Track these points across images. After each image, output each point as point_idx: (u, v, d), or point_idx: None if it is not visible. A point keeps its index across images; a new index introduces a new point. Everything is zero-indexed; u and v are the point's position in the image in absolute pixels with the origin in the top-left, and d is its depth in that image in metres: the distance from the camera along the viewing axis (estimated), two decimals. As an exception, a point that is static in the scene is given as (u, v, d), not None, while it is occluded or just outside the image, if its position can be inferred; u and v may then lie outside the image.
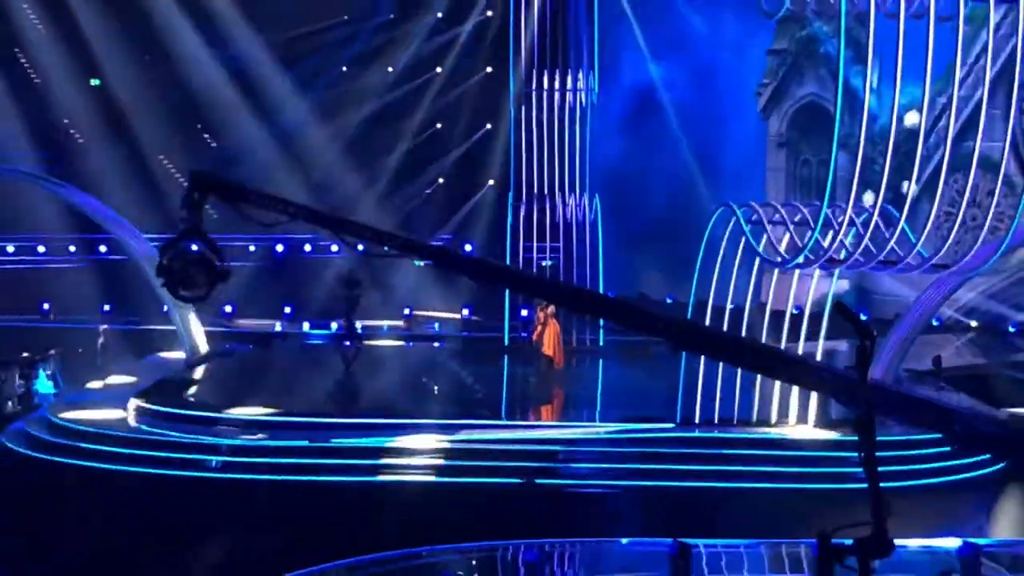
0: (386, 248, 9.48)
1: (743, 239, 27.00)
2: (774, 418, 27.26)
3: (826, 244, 25.09)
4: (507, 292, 36.66)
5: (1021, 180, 34.42)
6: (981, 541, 19.68)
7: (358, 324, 34.42)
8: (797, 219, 27.03)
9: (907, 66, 25.38)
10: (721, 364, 26.74)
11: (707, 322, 27.38)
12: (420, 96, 43.69)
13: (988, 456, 24.97)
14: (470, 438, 26.11)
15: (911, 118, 29.95)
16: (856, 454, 20.08)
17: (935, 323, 33.58)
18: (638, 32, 42.02)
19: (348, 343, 33.51)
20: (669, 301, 39.48)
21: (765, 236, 26.83)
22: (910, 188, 27.04)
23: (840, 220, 24.90)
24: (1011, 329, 38.49)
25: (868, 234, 24.60)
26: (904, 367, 31.96)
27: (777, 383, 27.15)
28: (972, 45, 33.44)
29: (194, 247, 8.78)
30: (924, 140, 28.16)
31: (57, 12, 39.25)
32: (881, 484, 5.02)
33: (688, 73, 43.07)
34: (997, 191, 32.32)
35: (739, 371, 26.89)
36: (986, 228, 26.98)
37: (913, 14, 24.50)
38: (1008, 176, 34.24)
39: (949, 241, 25.87)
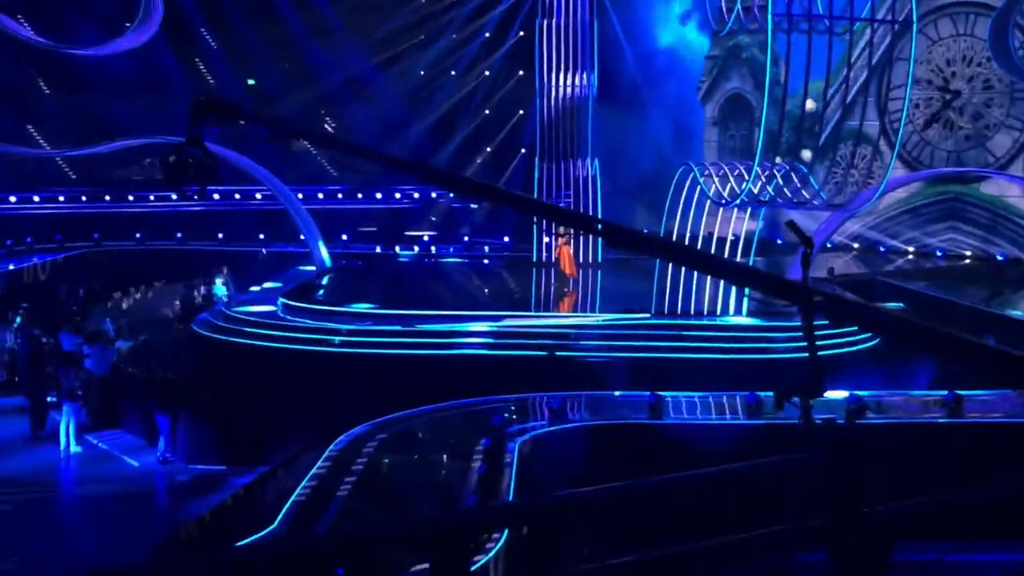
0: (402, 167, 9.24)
1: (698, 188, 26.66)
2: (718, 310, 27.09)
3: (756, 190, 24.76)
4: (534, 223, 36.66)
5: (889, 149, 34.05)
6: (862, 392, 19.64)
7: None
8: (735, 173, 26.70)
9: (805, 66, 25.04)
10: (685, 271, 26.73)
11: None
12: (476, 92, 43.63)
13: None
14: (510, 324, 26.06)
15: (810, 104, 29.57)
16: (778, 333, 20.02)
17: (829, 245, 33.31)
18: (625, 45, 41.74)
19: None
20: (645, 231, 39.25)
21: (713, 185, 26.49)
22: (812, 155, 26.84)
23: (766, 174, 24.53)
24: (882, 250, 38.30)
25: (785, 183, 24.27)
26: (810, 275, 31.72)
27: (721, 286, 27.05)
28: (854, 50, 33.06)
29: (191, 151, 8.41)
30: (819, 120, 27.90)
31: (221, 28, 38.87)
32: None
33: (656, 72, 42.85)
34: (870, 156, 32.16)
35: (695, 277, 26.87)
36: (865, 180, 26.74)
37: (814, 31, 24.04)
38: (879, 145, 34.05)
39: (848, 189, 25.59)
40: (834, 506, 3.84)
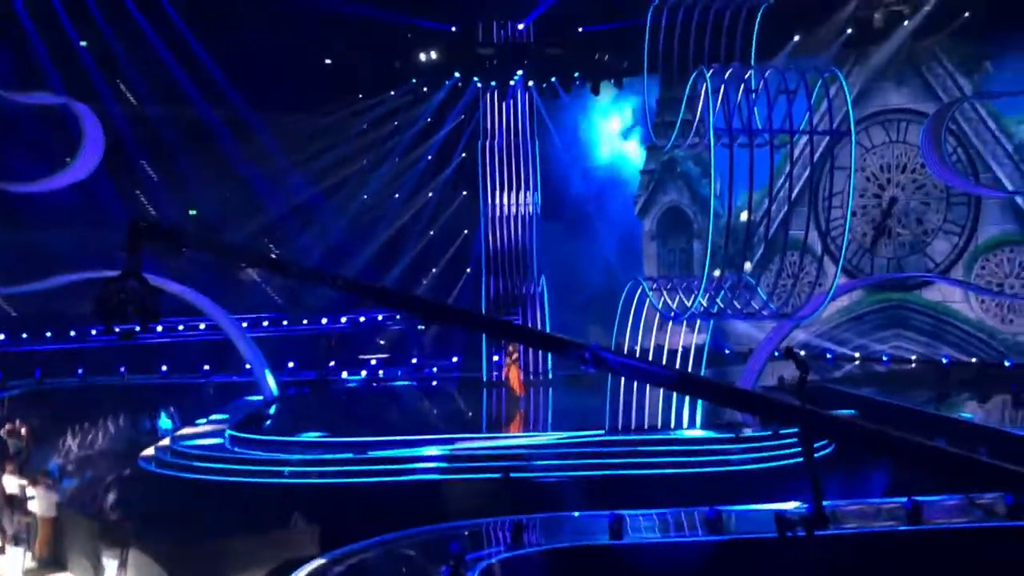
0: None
1: (647, 302, 26.83)
2: (673, 423, 27.06)
3: (705, 303, 24.94)
4: (484, 343, 36.63)
5: (826, 256, 34.64)
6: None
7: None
8: (684, 287, 26.98)
9: (740, 179, 25.48)
10: (627, 383, 26.71)
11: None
12: (421, 214, 43.89)
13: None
14: (463, 447, 25.84)
15: (744, 216, 30.14)
16: (732, 445, 19.95)
17: (776, 354, 33.49)
18: (567, 163, 42.27)
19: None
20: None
21: (662, 299, 26.66)
22: (750, 266, 27.20)
23: (713, 286, 24.75)
24: (829, 357, 38.59)
25: (733, 296, 24.45)
26: (759, 384, 31.96)
27: (674, 399, 27.08)
28: (784, 164, 33.72)
29: (130, 286, 7.75)
30: (754, 231, 28.35)
31: (161, 159, 38.83)
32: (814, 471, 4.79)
33: (599, 187, 43.42)
34: (801, 263, 32.51)
35: (646, 391, 26.85)
36: (810, 289, 27.02)
37: (739, 144, 24.55)
38: (817, 253, 34.56)
39: (789, 297, 25.83)
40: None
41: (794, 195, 35.44)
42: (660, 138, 26.95)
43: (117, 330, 7.87)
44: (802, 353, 38.62)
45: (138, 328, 7.92)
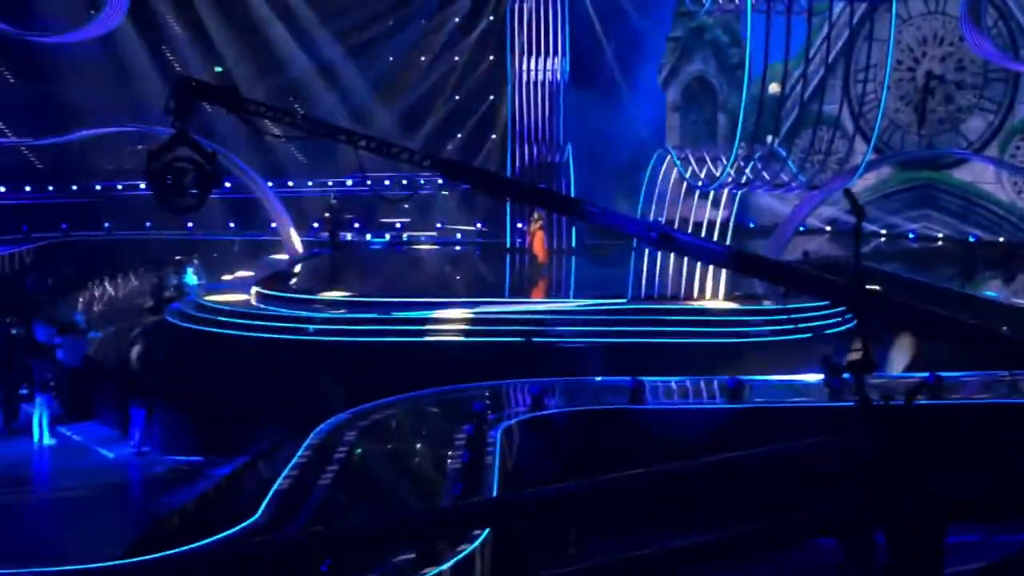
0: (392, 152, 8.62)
1: (673, 172, 26.59)
2: (695, 294, 27.06)
3: (733, 173, 24.72)
4: (508, 210, 36.53)
5: (855, 131, 34.14)
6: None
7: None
8: (712, 157, 26.73)
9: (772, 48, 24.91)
10: (651, 254, 26.66)
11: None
12: (447, 77, 43.37)
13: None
14: (486, 311, 25.93)
15: (774, 87, 29.53)
16: (754, 317, 19.99)
17: (802, 228, 33.35)
18: (598, 29, 41.38)
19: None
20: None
21: (689, 169, 26.42)
22: (775, 139, 26.89)
23: (742, 157, 24.47)
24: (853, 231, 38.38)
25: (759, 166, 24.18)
26: (784, 258, 31.87)
27: (698, 269, 27.02)
28: (818, 33, 32.95)
29: (182, 152, 6.83)
30: (781, 103, 27.90)
31: (187, 15, 38.27)
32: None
33: (629, 56, 42.59)
34: (835, 138, 32.01)
35: (671, 260, 26.80)
36: (839, 164, 26.74)
37: (776, 11, 23.95)
38: (848, 128, 34.07)
39: (816, 169, 25.56)
40: (891, 488, 3.73)
41: (824, 68, 34.64)
42: (693, 2, 26.28)
43: (181, 204, 7.07)
44: (828, 229, 38.68)
45: (198, 200, 7.14)
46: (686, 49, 43.01)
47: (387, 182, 39.94)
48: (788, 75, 34.53)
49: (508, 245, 36.38)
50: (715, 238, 27.25)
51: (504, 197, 30.57)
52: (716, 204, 27.32)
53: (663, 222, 27.08)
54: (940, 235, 37.60)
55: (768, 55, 24.29)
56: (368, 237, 39.35)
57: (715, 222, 27.30)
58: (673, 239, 5.55)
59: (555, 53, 36.75)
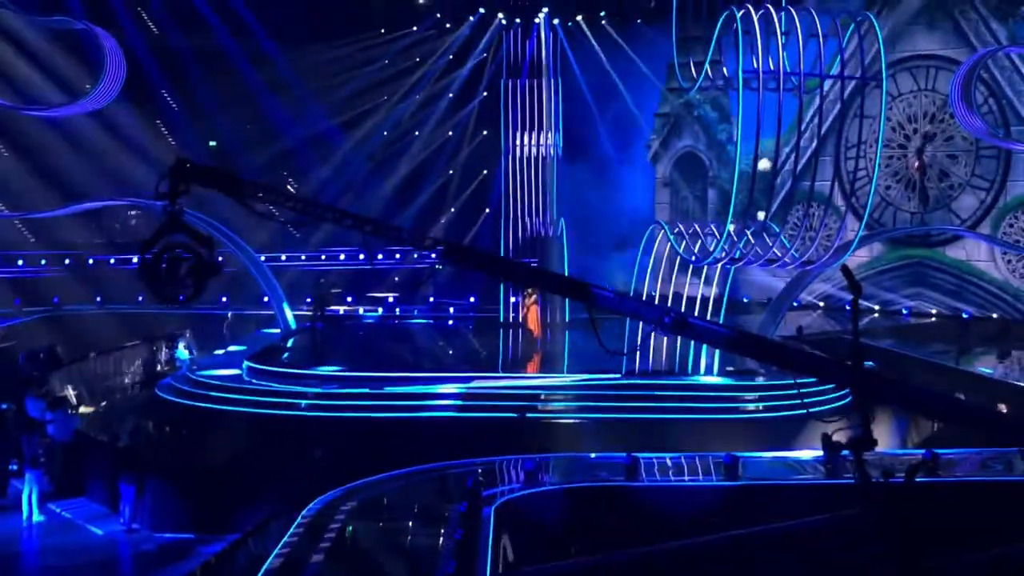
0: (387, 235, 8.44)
1: (667, 247, 26.75)
2: (689, 368, 27.11)
3: (727, 249, 24.86)
4: (502, 285, 36.64)
5: (845, 207, 34.23)
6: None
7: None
8: (706, 232, 26.89)
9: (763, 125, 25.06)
10: (641, 328, 26.70)
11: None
12: (440, 152, 43.73)
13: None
14: (480, 385, 25.92)
15: (764, 164, 29.67)
16: (749, 393, 19.93)
17: (795, 303, 33.41)
18: (591, 105, 41.82)
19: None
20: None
21: (683, 243, 26.58)
22: (767, 215, 27.03)
23: (736, 232, 24.61)
24: (848, 308, 38.32)
25: (754, 242, 24.32)
26: (777, 334, 31.96)
27: (691, 345, 27.08)
28: (808, 108, 33.29)
29: (176, 240, 6.28)
30: (772, 179, 28.03)
31: (181, 89, 38.54)
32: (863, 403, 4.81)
33: (621, 132, 42.94)
34: (825, 215, 32.11)
35: (664, 336, 26.83)
36: (832, 241, 26.86)
37: (767, 88, 24.19)
38: (836, 205, 34.16)
39: (813, 246, 25.71)
40: (892, 567, 3.77)
41: (815, 144, 34.55)
42: (684, 80, 26.56)
43: (180, 299, 6.74)
44: (821, 305, 38.83)
45: (194, 291, 6.73)
46: (675, 125, 43.48)
47: (380, 255, 40.15)
48: (779, 151, 34.80)
49: (502, 319, 36.45)
50: (708, 314, 27.40)
51: (510, 280, 30.53)
52: (709, 280, 27.47)
53: (654, 296, 27.25)
54: (934, 311, 37.69)
55: (759, 131, 24.52)
56: (360, 311, 39.44)
57: (708, 297, 27.43)
58: (689, 325, 5.59)
59: (548, 128, 37.09)
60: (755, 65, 23.02)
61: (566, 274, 35.97)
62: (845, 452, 4.32)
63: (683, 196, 43.62)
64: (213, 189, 7.08)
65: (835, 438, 4.63)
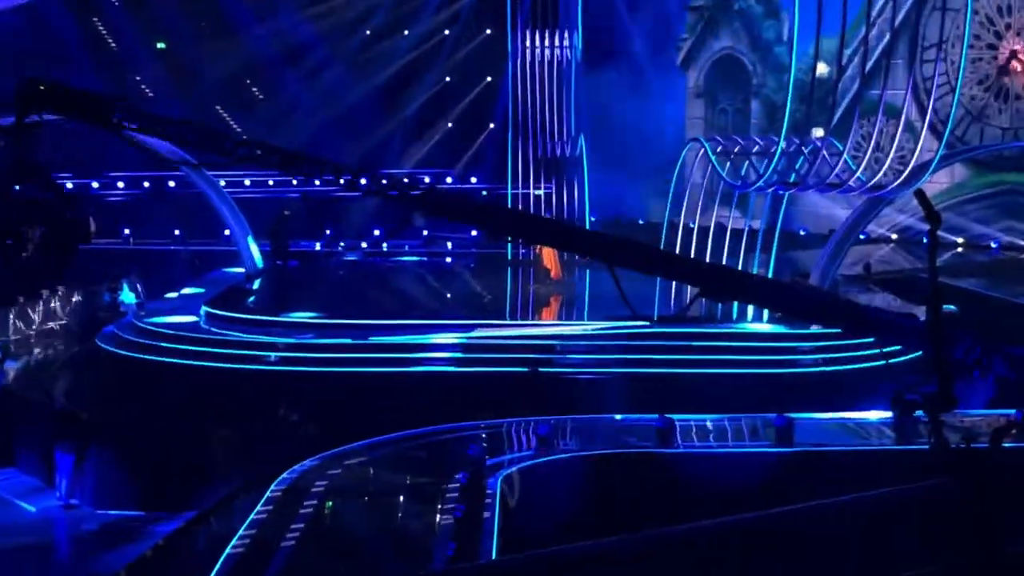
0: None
1: (709, 168, 26.66)
2: (734, 315, 27.12)
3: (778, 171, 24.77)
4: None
5: (922, 123, 33.71)
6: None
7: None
8: (755, 150, 26.78)
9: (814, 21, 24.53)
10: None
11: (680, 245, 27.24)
12: (433, 56, 43.49)
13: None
14: (484, 335, 25.97)
15: (822, 68, 29.28)
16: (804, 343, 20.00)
17: (862, 236, 33.19)
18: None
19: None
20: (641, 223, 39.39)
21: (727, 164, 26.50)
22: (825, 132, 26.84)
23: (791, 150, 24.50)
24: (925, 240, 38.09)
25: (816, 161, 24.20)
26: (840, 273, 31.94)
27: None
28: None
29: (29, 194, 5.54)
30: (834, 87, 27.61)
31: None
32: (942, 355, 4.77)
33: (654, 31, 42.51)
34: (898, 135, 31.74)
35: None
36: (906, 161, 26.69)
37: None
38: (910, 120, 33.68)
39: (883, 168, 25.57)
40: (975, 548, 3.75)
41: (886, 43, 33.90)
42: None
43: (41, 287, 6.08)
44: (894, 238, 38.71)
45: (53, 267, 6.08)
46: (711, 21, 42.80)
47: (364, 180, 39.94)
48: (842, 52, 34.36)
49: (510, 257, 36.44)
50: (757, 250, 27.41)
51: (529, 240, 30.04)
52: (757, 208, 27.42)
53: (693, 228, 27.20)
54: (1030, 244, 37.25)
55: (820, 27, 24.24)
56: (341, 246, 39.49)
57: (756, 230, 27.40)
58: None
59: (565, 25, 36.79)
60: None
61: (587, 204, 36.00)
62: (919, 413, 4.30)
63: (721, 109, 43.22)
64: (75, 118, 6.53)
65: (908, 397, 4.62)
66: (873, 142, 26.14)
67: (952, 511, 3.95)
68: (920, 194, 6.03)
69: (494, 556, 14.83)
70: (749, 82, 42.39)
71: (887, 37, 31.27)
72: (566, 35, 36.84)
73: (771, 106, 40.73)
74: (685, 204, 27.39)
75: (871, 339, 24.35)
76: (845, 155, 24.44)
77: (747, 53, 42.22)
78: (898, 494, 4.06)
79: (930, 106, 31.77)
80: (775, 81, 40.68)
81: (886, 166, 26.13)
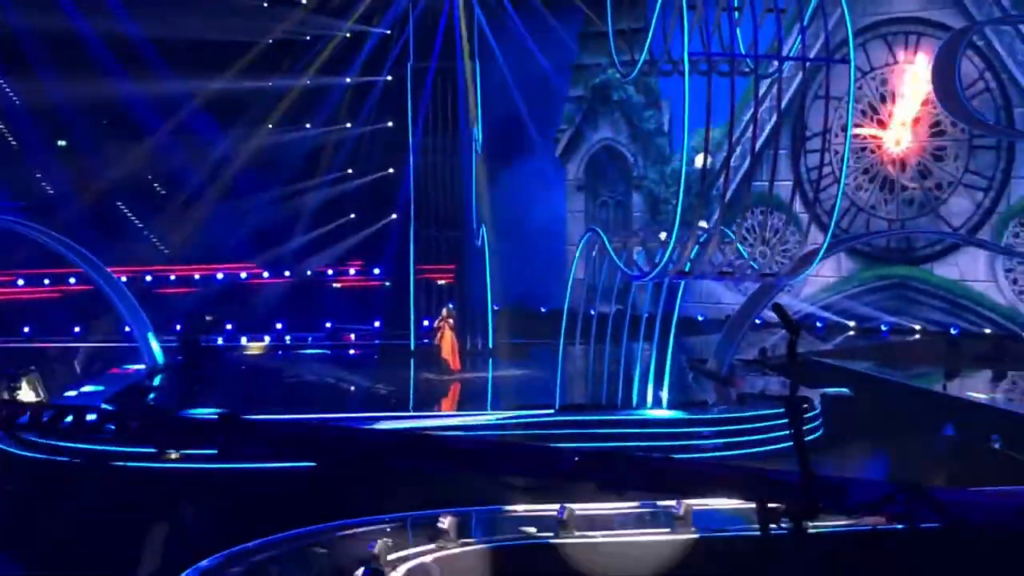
0: None
1: (606, 258, 26.93)
2: (634, 402, 27.33)
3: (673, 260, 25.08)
4: (411, 303, 36.69)
5: (808, 213, 33.84)
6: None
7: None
8: (649, 242, 27.17)
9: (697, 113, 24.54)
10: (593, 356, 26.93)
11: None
12: (335, 148, 43.60)
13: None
14: (387, 428, 25.86)
15: (700, 160, 29.53)
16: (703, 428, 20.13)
17: (757, 321, 33.55)
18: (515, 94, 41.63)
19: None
20: (543, 310, 39.55)
21: (624, 255, 26.79)
22: (718, 219, 27.13)
23: (685, 241, 24.80)
24: (818, 326, 38.72)
25: (708, 251, 24.58)
26: (736, 358, 32.35)
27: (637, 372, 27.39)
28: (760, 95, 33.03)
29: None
30: (711, 181, 27.59)
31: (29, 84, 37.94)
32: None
33: (546, 123, 42.67)
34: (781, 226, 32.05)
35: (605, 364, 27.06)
36: (795, 249, 27.14)
37: (724, 72, 24.21)
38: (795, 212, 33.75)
39: (773, 257, 26.01)
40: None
41: (764, 136, 34.32)
42: (619, 54, 26.26)
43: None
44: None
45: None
46: (590, 112, 42.70)
47: (243, 274, 39.74)
48: (732, 143, 34.42)
49: (413, 347, 36.47)
50: (655, 336, 27.71)
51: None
52: (653, 297, 27.68)
53: (593, 317, 27.45)
54: (918, 327, 37.62)
55: (691, 125, 24.58)
56: (243, 341, 39.30)
57: (655, 316, 27.63)
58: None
59: (464, 119, 37.13)
60: (703, 46, 23.23)
61: (487, 286, 36.14)
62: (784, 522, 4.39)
63: (602, 202, 43.04)
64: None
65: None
66: (759, 233, 26.50)
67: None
68: (778, 307, 6.26)
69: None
70: (630, 174, 42.19)
71: (770, 127, 31.47)
72: (467, 128, 37.11)
73: (653, 199, 41.02)
74: (585, 293, 27.61)
75: (770, 422, 24.78)
76: (737, 244, 24.83)
77: (627, 144, 42.00)
78: None
79: (814, 196, 32.31)
80: (656, 173, 40.84)
81: (772, 257, 26.33)
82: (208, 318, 36.14)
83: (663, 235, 26.47)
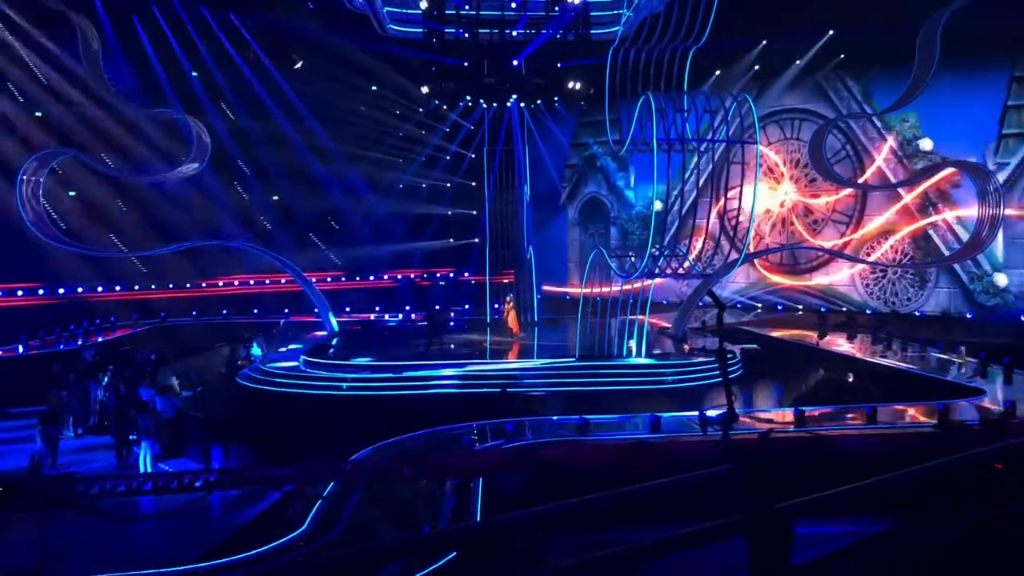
0: None
1: (612, 264, 26.70)
2: (625, 353, 27.15)
3: (648, 266, 24.82)
4: (487, 295, 36.59)
5: (727, 239, 33.58)
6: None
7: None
8: (631, 256, 26.90)
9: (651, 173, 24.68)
10: (598, 324, 26.71)
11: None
12: (441, 198, 43.59)
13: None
14: (473, 369, 25.87)
15: (658, 205, 29.32)
16: (666, 370, 19.78)
17: (700, 303, 33.22)
18: (549, 164, 41.63)
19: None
20: (567, 297, 39.37)
21: (616, 263, 26.56)
22: (673, 244, 26.75)
23: (655, 254, 24.57)
24: (739, 306, 38.28)
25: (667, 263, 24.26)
26: (687, 326, 32.07)
27: (625, 336, 27.09)
28: (689, 160, 32.76)
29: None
30: (674, 218, 27.45)
31: (253, 158, 38.01)
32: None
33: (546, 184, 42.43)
34: (706, 247, 31.61)
35: (607, 329, 26.81)
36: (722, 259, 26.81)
37: (677, 150, 24.14)
38: (717, 238, 33.67)
39: (704, 267, 25.60)
40: (750, 504, 3.80)
41: (699, 190, 33.77)
42: (613, 140, 26.14)
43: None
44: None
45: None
46: (582, 174, 42.12)
47: (385, 277, 39.52)
48: (683, 196, 34.50)
49: (488, 320, 36.42)
50: (637, 311, 27.45)
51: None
52: (639, 286, 27.42)
53: (599, 303, 27.25)
54: (800, 307, 37.19)
55: (653, 183, 24.52)
56: (386, 317, 39.60)
57: (635, 299, 27.45)
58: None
59: (519, 181, 37.02)
60: (664, 133, 23.06)
61: (534, 285, 35.96)
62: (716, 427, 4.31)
63: (590, 233, 41.98)
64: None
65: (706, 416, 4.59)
66: (696, 251, 26.24)
67: (736, 485, 4.00)
68: (711, 293, 6.13)
69: (479, 509, 14.72)
70: (608, 215, 41.64)
71: (702, 182, 31.17)
72: (520, 186, 36.98)
73: (624, 231, 40.84)
74: (584, 282, 27.44)
75: (708, 367, 24.36)
76: (688, 257, 24.60)
77: (606, 195, 41.49)
78: (704, 475, 4.09)
79: (730, 227, 32.01)
80: (626, 214, 40.72)
81: (704, 265, 26.04)
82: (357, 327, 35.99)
83: (631, 254, 26.48)
